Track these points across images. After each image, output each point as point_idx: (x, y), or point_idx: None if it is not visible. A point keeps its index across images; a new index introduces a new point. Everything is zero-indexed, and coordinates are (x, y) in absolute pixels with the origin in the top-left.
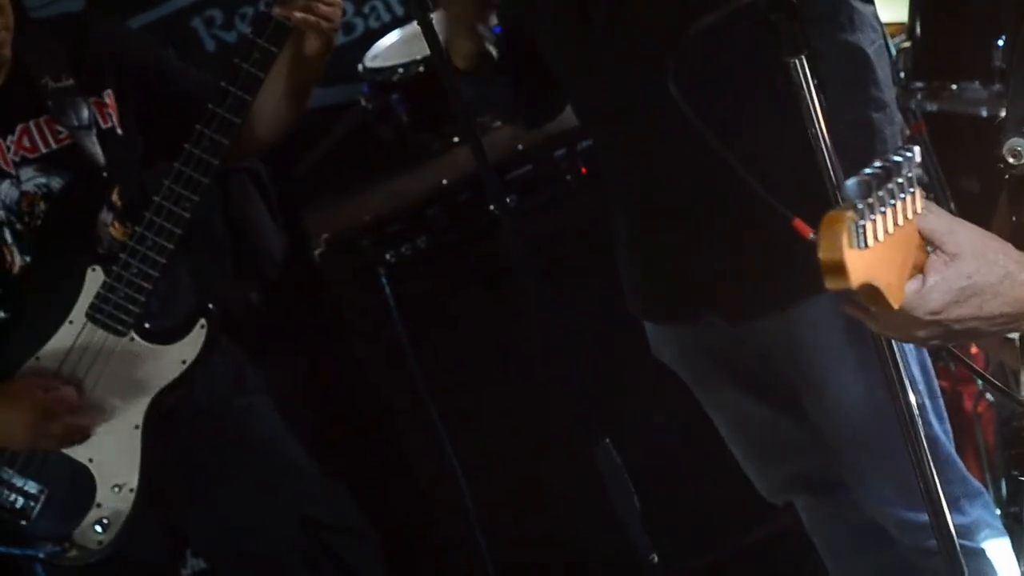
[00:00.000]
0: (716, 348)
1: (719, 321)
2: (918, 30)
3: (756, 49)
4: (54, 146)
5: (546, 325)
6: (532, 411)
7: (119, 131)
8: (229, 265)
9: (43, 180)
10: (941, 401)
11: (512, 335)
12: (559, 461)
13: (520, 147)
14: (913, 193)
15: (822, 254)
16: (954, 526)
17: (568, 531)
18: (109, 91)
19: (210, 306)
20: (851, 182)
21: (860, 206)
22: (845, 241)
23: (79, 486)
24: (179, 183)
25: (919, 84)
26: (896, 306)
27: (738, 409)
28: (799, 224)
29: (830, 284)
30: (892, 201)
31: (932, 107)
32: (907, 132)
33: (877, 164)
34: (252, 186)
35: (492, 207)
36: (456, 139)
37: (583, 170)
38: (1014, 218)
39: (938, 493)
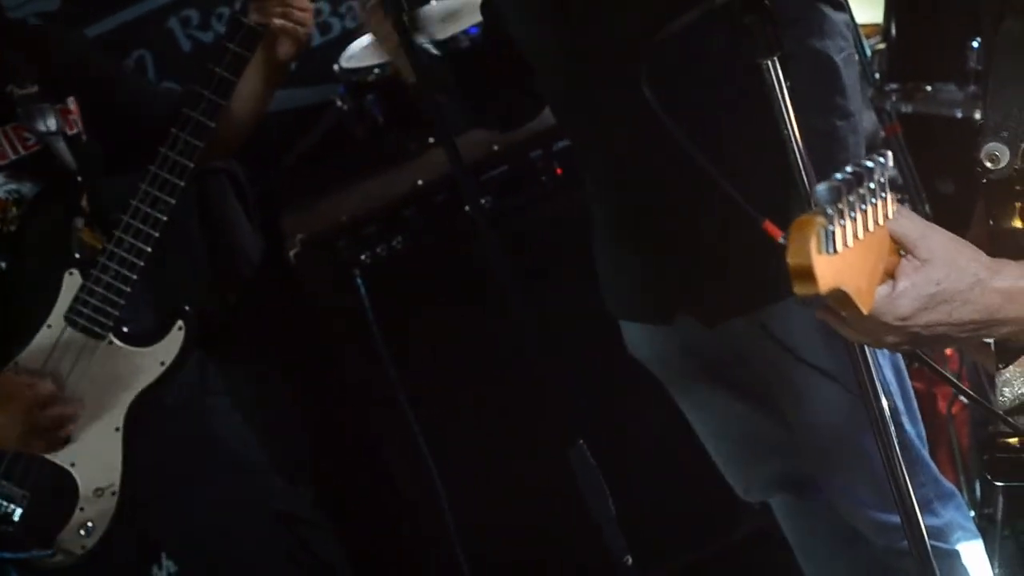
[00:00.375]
0: (692, 347)
1: (695, 322)
2: (893, 31)
3: (732, 51)
4: (23, 152)
5: (522, 326)
6: (508, 411)
7: (84, 137)
8: (206, 266)
9: (14, 186)
10: (915, 403)
11: (487, 336)
12: (535, 462)
13: (496, 148)
14: (885, 198)
15: (790, 259)
16: (927, 528)
17: (544, 532)
18: (72, 98)
19: (186, 308)
20: (821, 187)
21: (829, 211)
22: (814, 246)
23: (61, 491)
24: (155, 186)
25: (894, 85)
26: (866, 311)
27: (715, 408)
28: (769, 226)
29: (798, 289)
30: (863, 206)
31: (907, 108)
32: (882, 134)
33: (848, 169)
34: (229, 187)
35: (467, 208)
36: (431, 140)
37: (558, 171)
38: (991, 223)
39: (910, 495)
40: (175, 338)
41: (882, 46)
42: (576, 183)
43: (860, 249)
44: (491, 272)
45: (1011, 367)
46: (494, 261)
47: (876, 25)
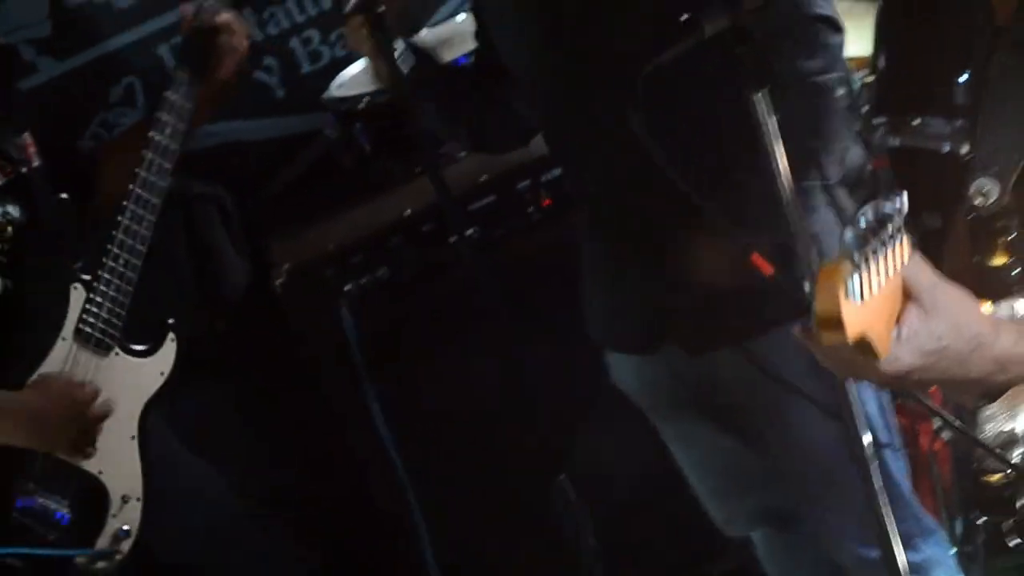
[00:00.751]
0: (677, 378)
1: (681, 352)
2: (882, 64)
3: (725, 80)
4: (2, 179)
5: (506, 357)
6: (491, 443)
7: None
8: (191, 293)
9: (3, 209)
10: (898, 438)
11: (472, 366)
12: (518, 495)
13: (483, 178)
14: (902, 242)
15: (819, 308)
16: (908, 563)
17: (525, 565)
18: (27, 133)
19: (171, 321)
20: (849, 236)
21: (856, 259)
22: (842, 294)
23: (94, 498)
24: (138, 204)
25: (882, 118)
26: (884, 356)
27: (698, 440)
28: (757, 259)
29: (826, 338)
30: (884, 251)
31: (895, 142)
32: (870, 167)
33: (870, 216)
34: (216, 214)
35: (453, 237)
36: (419, 169)
37: (546, 202)
38: (976, 257)
39: (890, 530)
40: (169, 349)
41: (870, 79)
42: (564, 214)
43: (881, 295)
44: (477, 303)
45: (995, 404)
46: (481, 291)
47: (865, 58)
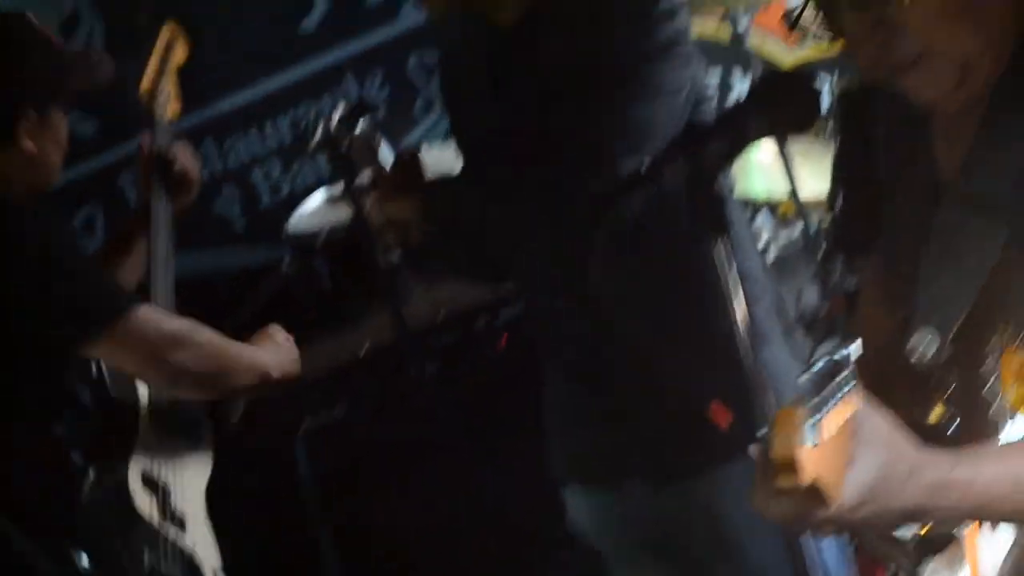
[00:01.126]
0: (635, 518)
1: (642, 486)
2: (839, 203)
3: (682, 227)
4: None
5: (466, 493)
6: None
7: None
8: None
9: None
10: (855, 567)
11: (429, 503)
12: None
13: (442, 315)
14: (855, 385)
15: (776, 452)
16: None
17: None
18: None
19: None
20: (804, 378)
21: (812, 402)
22: (798, 438)
23: (194, 573)
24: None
25: (839, 258)
26: (837, 502)
27: None
28: (716, 409)
29: (782, 481)
30: (838, 398)
31: (851, 282)
32: (826, 309)
33: (824, 361)
34: None
35: (412, 374)
36: (379, 305)
37: (504, 338)
38: (916, 410)
39: None
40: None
41: (828, 220)
42: (522, 350)
43: (834, 440)
44: (436, 437)
45: (935, 559)
46: (439, 427)
47: (821, 200)
